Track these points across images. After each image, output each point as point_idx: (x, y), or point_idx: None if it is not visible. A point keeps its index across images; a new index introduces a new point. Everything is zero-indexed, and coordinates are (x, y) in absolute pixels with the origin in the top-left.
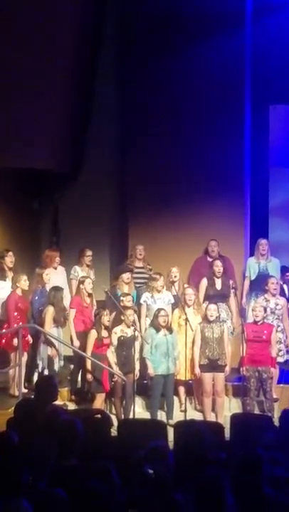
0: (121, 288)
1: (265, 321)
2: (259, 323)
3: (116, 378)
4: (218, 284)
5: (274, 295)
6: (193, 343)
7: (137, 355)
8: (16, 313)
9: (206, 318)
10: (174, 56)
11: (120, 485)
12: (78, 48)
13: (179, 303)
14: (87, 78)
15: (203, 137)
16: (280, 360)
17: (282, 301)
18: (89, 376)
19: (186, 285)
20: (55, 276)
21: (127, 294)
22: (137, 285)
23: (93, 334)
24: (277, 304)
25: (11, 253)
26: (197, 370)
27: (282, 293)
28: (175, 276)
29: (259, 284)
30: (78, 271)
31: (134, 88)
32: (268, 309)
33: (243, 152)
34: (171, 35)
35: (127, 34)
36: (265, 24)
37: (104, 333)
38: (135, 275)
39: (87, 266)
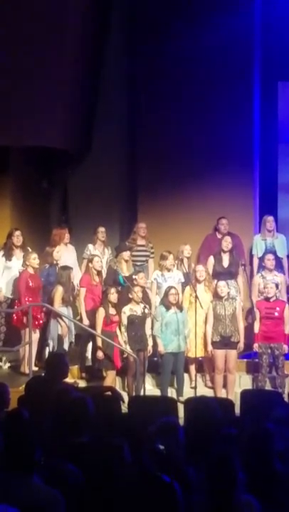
0: (120, 266)
1: (278, 297)
2: (271, 300)
3: (127, 356)
4: (226, 261)
5: (271, 271)
6: (205, 320)
7: (149, 332)
8: (27, 292)
9: (216, 296)
10: (183, 33)
11: (132, 461)
12: (88, 27)
13: (189, 280)
14: (96, 57)
15: (213, 114)
16: None
17: (279, 277)
18: (100, 354)
19: (193, 264)
20: (66, 254)
21: (139, 272)
22: (139, 263)
23: (101, 312)
24: (274, 281)
25: (18, 232)
26: (210, 348)
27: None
28: (188, 253)
29: None
30: (90, 249)
31: (143, 66)
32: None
33: (251, 129)
34: (181, 12)
35: (136, 12)
36: (274, 1)
37: (112, 311)
38: (136, 253)
39: (103, 243)
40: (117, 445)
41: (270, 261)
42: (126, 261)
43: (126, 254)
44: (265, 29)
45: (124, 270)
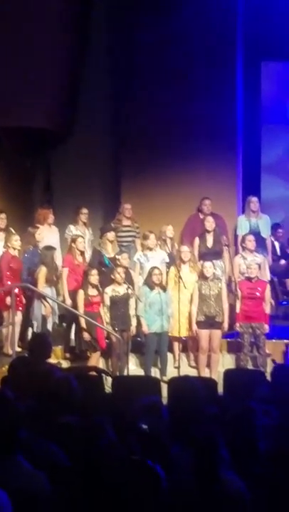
0: (105, 247)
1: (259, 278)
2: (253, 281)
3: (110, 336)
4: (210, 241)
5: (251, 252)
6: (190, 300)
7: (132, 313)
8: (8, 273)
9: (202, 276)
10: (166, 13)
11: (115, 441)
12: (70, 7)
13: (173, 261)
14: (79, 36)
15: (196, 95)
16: None
17: (259, 258)
18: (85, 335)
19: (176, 244)
20: (49, 234)
21: (122, 252)
22: (125, 243)
23: (81, 294)
24: (255, 262)
25: (3, 215)
26: (194, 327)
27: (273, 250)
28: (171, 234)
29: None
30: (72, 230)
31: (127, 46)
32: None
33: (235, 109)
34: None
35: None
36: None
37: (93, 292)
38: (123, 233)
39: (84, 224)
40: (101, 424)
41: (250, 242)
42: (111, 242)
43: (110, 235)
44: (249, 9)
45: (110, 251)
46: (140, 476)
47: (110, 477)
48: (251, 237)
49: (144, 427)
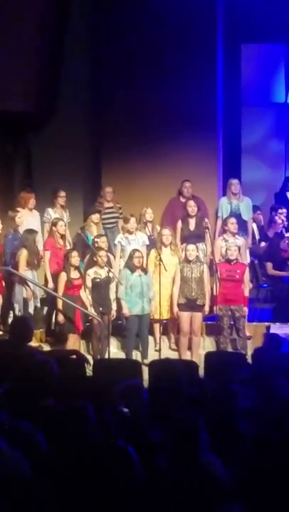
0: (90, 229)
1: (238, 260)
2: (233, 263)
3: (91, 319)
4: (192, 224)
5: (234, 235)
6: (172, 282)
7: (112, 296)
8: None
9: (185, 259)
10: None
11: (96, 424)
12: None
13: (154, 244)
14: (59, 17)
15: (176, 77)
16: None
17: (241, 240)
18: (61, 317)
19: (158, 227)
20: (30, 218)
21: (101, 235)
22: (108, 226)
23: (63, 276)
24: (235, 245)
25: None
26: (175, 309)
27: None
28: (150, 217)
29: None
30: (51, 213)
31: (106, 28)
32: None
33: (215, 92)
34: None
35: None
36: None
37: (74, 274)
38: (105, 216)
39: (62, 207)
40: (83, 407)
41: (233, 224)
42: (95, 223)
43: (95, 217)
44: None
45: (94, 233)
46: (112, 457)
47: (85, 459)
48: (233, 220)
49: (125, 410)
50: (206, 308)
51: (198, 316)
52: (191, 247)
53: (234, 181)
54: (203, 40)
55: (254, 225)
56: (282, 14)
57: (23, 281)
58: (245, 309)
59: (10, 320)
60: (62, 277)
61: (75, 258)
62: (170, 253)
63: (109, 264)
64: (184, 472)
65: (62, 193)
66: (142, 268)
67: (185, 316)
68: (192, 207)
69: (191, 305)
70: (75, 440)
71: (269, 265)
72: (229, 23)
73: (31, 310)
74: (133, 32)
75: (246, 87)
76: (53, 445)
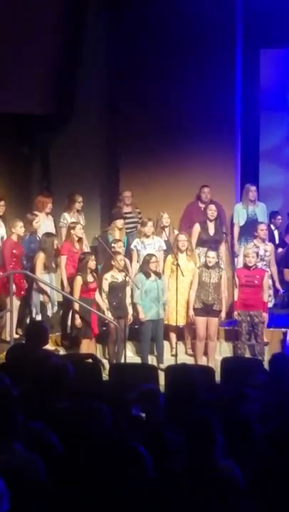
0: (113, 234)
1: (259, 265)
2: (251, 269)
3: (108, 323)
4: (211, 229)
5: (264, 241)
6: (189, 287)
7: (128, 301)
8: (10, 259)
9: (205, 264)
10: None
11: (112, 427)
12: None
13: (170, 249)
14: (78, 21)
15: (195, 82)
16: (269, 305)
17: (269, 247)
18: (78, 321)
19: (176, 231)
20: (46, 222)
21: (118, 240)
22: (127, 230)
23: (78, 280)
24: (266, 251)
25: (2, 202)
26: (191, 313)
27: (271, 238)
28: (167, 222)
29: (248, 230)
30: (67, 218)
31: (125, 32)
32: (258, 255)
33: (233, 97)
34: None
35: None
36: None
37: (90, 278)
38: (125, 221)
39: (77, 211)
40: (96, 408)
41: (263, 231)
42: (119, 229)
43: (119, 223)
44: None
45: (117, 237)
46: (124, 458)
47: (101, 461)
48: (264, 226)
49: (142, 414)
50: (223, 315)
51: (214, 321)
52: (211, 253)
53: (252, 188)
54: (223, 45)
55: (275, 232)
56: None
57: (41, 285)
58: (265, 315)
59: (27, 323)
60: (78, 281)
61: (92, 262)
62: (186, 258)
63: (126, 268)
64: (197, 474)
65: (80, 198)
66: (157, 273)
67: (201, 320)
68: (213, 211)
69: (207, 310)
70: (89, 441)
71: (287, 271)
72: (248, 29)
73: (49, 313)
74: (152, 36)
75: (265, 92)
76: (67, 447)
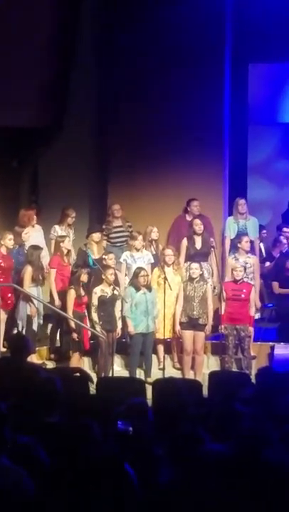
0: (91, 247)
1: (245, 279)
2: (239, 282)
3: (96, 337)
4: (198, 243)
5: (247, 253)
6: (175, 301)
7: (118, 314)
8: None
9: (189, 277)
10: (154, 13)
11: (101, 442)
12: (58, 5)
13: (158, 262)
14: (67, 35)
15: (183, 96)
16: (255, 316)
17: (252, 259)
18: (74, 335)
19: (161, 246)
20: (34, 234)
21: (109, 253)
22: (118, 244)
23: (72, 293)
24: (246, 263)
25: None
26: (178, 328)
27: (258, 251)
28: (156, 236)
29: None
30: (58, 230)
31: (113, 47)
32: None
33: (222, 110)
34: None
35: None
36: None
37: (83, 291)
38: (115, 234)
39: (68, 225)
40: (86, 424)
41: (247, 243)
42: (96, 242)
43: (96, 236)
44: (237, 11)
45: (95, 252)
46: (111, 474)
47: (88, 476)
48: (247, 238)
49: (130, 428)
50: (208, 328)
51: (200, 335)
52: (194, 265)
53: (241, 201)
54: (211, 59)
55: (261, 245)
56: None
57: (28, 298)
58: (251, 329)
59: None
60: (72, 294)
61: (85, 275)
62: (172, 272)
63: (116, 282)
64: (187, 490)
65: (73, 213)
66: (147, 286)
67: (187, 334)
68: (199, 225)
69: (193, 324)
70: (79, 457)
71: (275, 284)
72: (237, 43)
73: (35, 327)
74: (140, 50)
75: (253, 107)
76: (55, 462)
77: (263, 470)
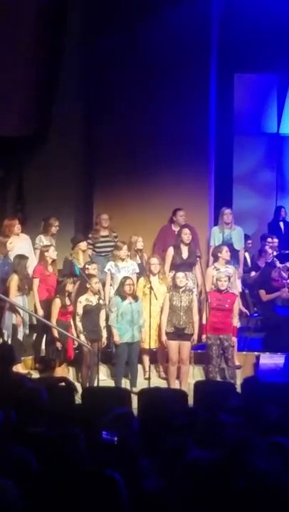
0: (76, 257)
1: (229, 290)
2: (223, 292)
3: (81, 346)
4: (185, 252)
5: (227, 263)
6: (161, 310)
7: (103, 324)
8: None
9: (174, 287)
10: (140, 23)
11: (86, 452)
12: (43, 14)
13: (143, 272)
14: (52, 44)
15: (169, 106)
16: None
17: (231, 269)
18: (58, 345)
19: (145, 255)
20: (19, 243)
21: (92, 263)
22: (103, 254)
23: (57, 303)
24: (227, 274)
25: None
26: (164, 338)
27: (244, 261)
28: (141, 246)
29: None
30: (43, 240)
31: (99, 56)
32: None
33: (207, 121)
34: (138, 2)
35: (92, 3)
36: None
37: (68, 301)
38: (101, 244)
39: (52, 235)
40: (73, 435)
41: (227, 252)
42: (83, 251)
43: (83, 245)
44: (223, 21)
45: (81, 261)
46: (99, 485)
47: (76, 487)
48: (227, 248)
49: (114, 438)
50: (195, 338)
51: (186, 344)
52: (180, 274)
53: (227, 211)
54: (197, 69)
55: (246, 254)
56: (274, 44)
57: (14, 308)
58: (234, 339)
59: None
60: (57, 304)
61: (71, 285)
62: (158, 281)
63: (100, 291)
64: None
65: (56, 222)
66: (133, 295)
67: (173, 344)
68: (188, 234)
69: (179, 334)
70: (65, 467)
71: (262, 292)
72: (222, 53)
73: (20, 336)
74: (126, 60)
75: (239, 117)
76: (42, 472)
77: (249, 476)
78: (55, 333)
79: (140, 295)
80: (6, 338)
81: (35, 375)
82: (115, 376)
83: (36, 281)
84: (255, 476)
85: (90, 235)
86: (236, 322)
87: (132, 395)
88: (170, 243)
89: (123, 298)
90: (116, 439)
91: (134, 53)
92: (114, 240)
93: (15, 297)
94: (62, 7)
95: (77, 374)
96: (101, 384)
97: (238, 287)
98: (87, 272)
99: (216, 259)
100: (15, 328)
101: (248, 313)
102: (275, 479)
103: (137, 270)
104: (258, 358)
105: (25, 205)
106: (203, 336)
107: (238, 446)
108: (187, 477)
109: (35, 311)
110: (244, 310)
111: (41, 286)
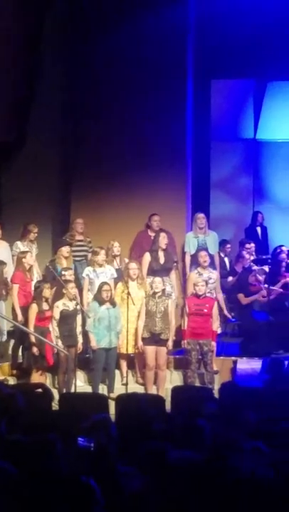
0: (59, 262)
1: (207, 294)
2: (201, 297)
3: (58, 352)
4: (162, 258)
5: (204, 268)
6: (138, 316)
7: (79, 329)
8: None
9: (151, 292)
10: (116, 29)
11: (63, 458)
12: (22, 17)
13: (121, 277)
14: (31, 48)
15: (146, 111)
16: (218, 331)
17: (214, 274)
18: (34, 350)
19: (126, 259)
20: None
21: (69, 268)
22: (77, 258)
23: (34, 308)
24: (210, 278)
25: None
26: (140, 343)
27: (222, 266)
28: (118, 251)
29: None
30: (20, 246)
31: (77, 61)
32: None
33: (184, 126)
34: (113, 8)
35: (70, 9)
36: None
37: (46, 306)
38: (75, 248)
39: (30, 241)
40: (50, 441)
41: (202, 258)
42: (65, 257)
43: (65, 250)
44: (199, 28)
45: (64, 266)
46: (74, 491)
47: (53, 493)
48: (205, 253)
49: (91, 444)
50: (170, 343)
51: (162, 350)
52: (157, 279)
53: (200, 215)
54: (173, 75)
55: (226, 259)
56: (251, 50)
57: None
58: (213, 344)
59: None
60: (34, 309)
61: (48, 290)
62: (137, 287)
63: (76, 296)
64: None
65: (35, 229)
66: (111, 301)
67: (150, 350)
68: (164, 239)
69: (155, 339)
70: (42, 474)
71: (241, 296)
72: (199, 59)
73: None
74: (103, 66)
75: (215, 123)
76: (18, 478)
77: (230, 476)
78: (33, 339)
79: (118, 300)
80: None
81: (12, 381)
82: (92, 382)
83: (16, 287)
84: (236, 476)
85: (66, 239)
86: (216, 327)
87: (110, 400)
88: (147, 248)
89: (101, 303)
90: (92, 445)
91: (111, 60)
92: (89, 246)
93: None
94: (40, 18)
95: (53, 380)
96: (78, 390)
97: (220, 290)
98: (63, 277)
99: (197, 264)
100: None
101: (230, 317)
102: (255, 478)
103: (115, 275)
104: (235, 362)
105: (2, 211)
106: (183, 341)
107: (217, 448)
108: (169, 477)
109: (14, 317)
110: (228, 315)
111: (20, 293)
